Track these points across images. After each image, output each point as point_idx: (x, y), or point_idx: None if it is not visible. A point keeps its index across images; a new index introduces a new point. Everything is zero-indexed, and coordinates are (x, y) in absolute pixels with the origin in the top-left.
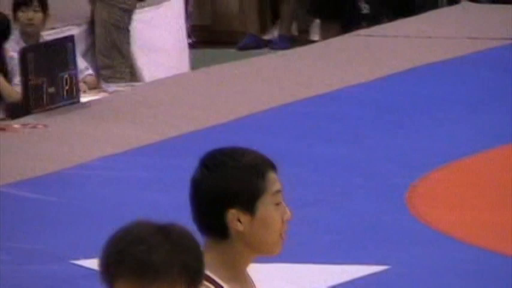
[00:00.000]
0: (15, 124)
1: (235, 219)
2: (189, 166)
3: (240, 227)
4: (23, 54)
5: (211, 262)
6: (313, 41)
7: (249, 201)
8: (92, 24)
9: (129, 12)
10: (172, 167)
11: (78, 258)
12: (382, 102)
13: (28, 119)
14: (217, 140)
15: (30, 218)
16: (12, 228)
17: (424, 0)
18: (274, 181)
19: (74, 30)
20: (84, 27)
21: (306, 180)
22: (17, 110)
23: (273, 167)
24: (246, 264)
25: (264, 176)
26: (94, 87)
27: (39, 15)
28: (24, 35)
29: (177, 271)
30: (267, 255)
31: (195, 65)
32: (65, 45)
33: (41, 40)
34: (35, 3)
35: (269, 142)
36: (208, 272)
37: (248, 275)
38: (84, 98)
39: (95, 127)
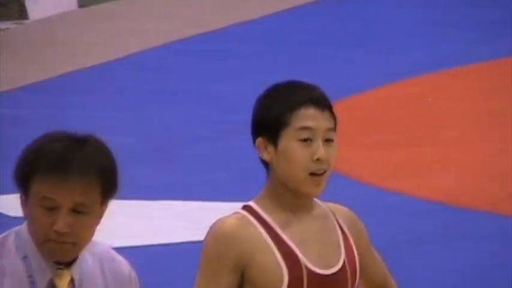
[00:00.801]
0: None
1: (263, 147)
2: (78, 103)
3: (266, 156)
4: None
5: (260, 194)
6: None
7: (272, 132)
8: None
9: None
10: (62, 104)
11: None
12: (279, 38)
13: None
14: (107, 78)
15: None
16: None
17: None
18: (305, 118)
19: None
20: None
21: (202, 117)
22: None
23: (314, 104)
24: (291, 200)
25: (292, 110)
26: None
27: None
28: None
29: (94, 174)
30: (302, 194)
31: (82, 3)
32: None
33: None
34: None
35: (162, 79)
36: (251, 204)
37: (315, 213)
38: None
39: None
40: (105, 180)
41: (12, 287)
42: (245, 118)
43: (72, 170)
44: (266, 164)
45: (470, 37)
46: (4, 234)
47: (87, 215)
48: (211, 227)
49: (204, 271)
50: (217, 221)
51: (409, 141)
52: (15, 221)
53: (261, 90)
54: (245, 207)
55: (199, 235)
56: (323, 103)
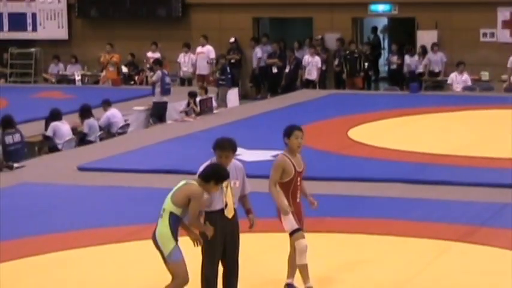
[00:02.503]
0: (196, 118)
1: (286, 140)
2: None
3: (287, 142)
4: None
5: (285, 150)
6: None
7: (288, 136)
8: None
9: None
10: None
11: None
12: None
13: (200, 117)
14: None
15: None
16: None
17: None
18: (296, 134)
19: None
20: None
21: None
22: (198, 115)
23: (299, 130)
24: (293, 152)
25: (293, 131)
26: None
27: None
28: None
29: (231, 148)
30: (296, 152)
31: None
32: (210, 98)
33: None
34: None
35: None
36: (284, 152)
37: (298, 156)
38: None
39: (215, 119)
40: (234, 150)
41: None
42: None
43: (226, 148)
44: (286, 144)
45: None
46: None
47: (229, 158)
48: (276, 158)
49: (274, 171)
50: (278, 155)
51: None
52: None
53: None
54: (283, 154)
55: None
56: (301, 129)
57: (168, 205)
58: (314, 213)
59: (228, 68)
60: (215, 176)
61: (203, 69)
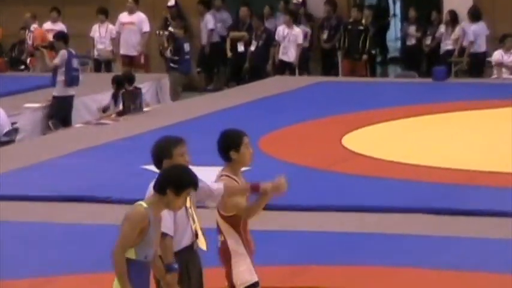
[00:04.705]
0: (118, 119)
1: (231, 155)
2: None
3: (234, 155)
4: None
5: (227, 170)
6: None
7: (236, 146)
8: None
9: None
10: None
11: None
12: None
13: (124, 118)
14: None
15: None
16: None
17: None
18: (247, 139)
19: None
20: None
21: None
22: (120, 115)
23: (246, 136)
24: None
25: (242, 137)
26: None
27: None
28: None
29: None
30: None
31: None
32: (139, 91)
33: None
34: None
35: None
36: (227, 173)
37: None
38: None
39: (145, 121)
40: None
41: None
42: None
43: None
44: (230, 159)
45: None
46: None
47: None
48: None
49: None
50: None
51: None
52: None
53: None
54: (226, 175)
55: None
56: (248, 136)
57: None
58: (295, 260)
59: (186, 46)
60: (173, 180)
61: (131, 47)
